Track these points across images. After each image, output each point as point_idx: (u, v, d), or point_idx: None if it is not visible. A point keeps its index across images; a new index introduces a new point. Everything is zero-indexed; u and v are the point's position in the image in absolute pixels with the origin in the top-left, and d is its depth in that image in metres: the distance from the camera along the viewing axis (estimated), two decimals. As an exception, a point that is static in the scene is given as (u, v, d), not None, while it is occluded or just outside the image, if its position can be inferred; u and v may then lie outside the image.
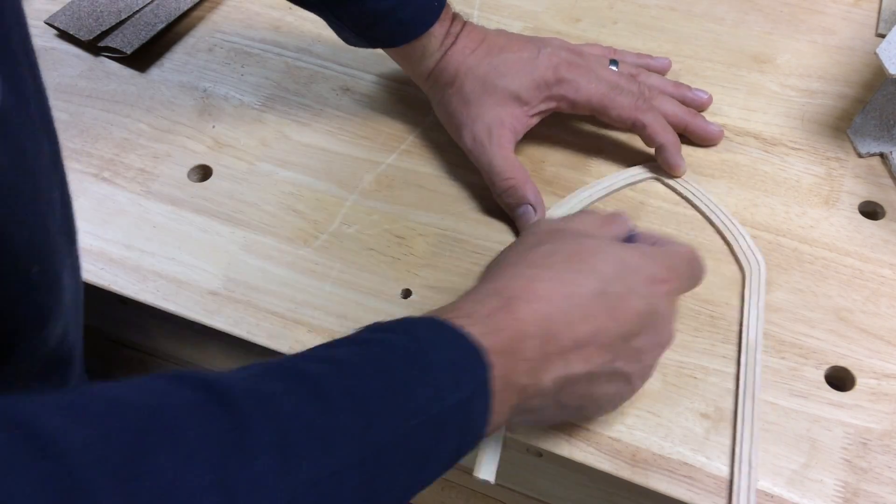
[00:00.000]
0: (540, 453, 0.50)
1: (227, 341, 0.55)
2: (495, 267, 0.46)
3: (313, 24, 0.75)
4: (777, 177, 0.61)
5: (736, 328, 0.53)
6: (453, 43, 0.60)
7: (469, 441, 0.39)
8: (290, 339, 0.54)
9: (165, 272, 0.58)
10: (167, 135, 0.67)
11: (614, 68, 0.62)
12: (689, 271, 0.48)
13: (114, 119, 0.68)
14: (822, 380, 0.51)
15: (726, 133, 0.64)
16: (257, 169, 0.62)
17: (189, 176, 0.64)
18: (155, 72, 0.72)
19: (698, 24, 0.72)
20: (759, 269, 0.55)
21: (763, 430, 0.49)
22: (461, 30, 0.60)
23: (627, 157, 0.63)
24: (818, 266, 0.56)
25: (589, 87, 0.59)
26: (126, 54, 0.72)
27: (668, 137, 0.60)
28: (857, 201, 0.59)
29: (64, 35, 0.75)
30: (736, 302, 0.54)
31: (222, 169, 0.64)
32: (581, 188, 0.60)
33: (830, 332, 0.53)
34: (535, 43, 0.61)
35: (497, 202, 0.59)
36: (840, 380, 0.51)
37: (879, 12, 0.72)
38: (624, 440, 0.49)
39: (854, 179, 0.60)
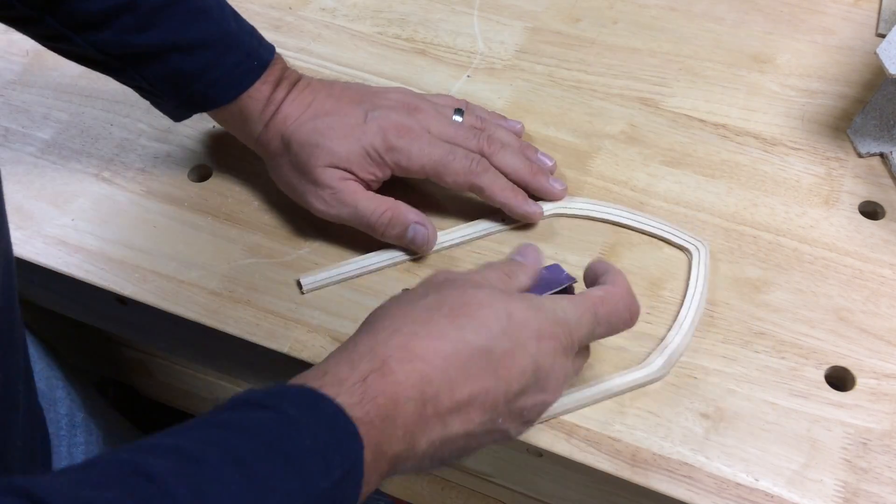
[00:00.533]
0: (540, 453, 0.50)
1: (227, 341, 0.55)
2: (376, 319, 0.43)
3: (313, 25, 0.75)
4: (777, 177, 0.61)
5: (736, 328, 0.53)
6: (277, 110, 0.57)
7: None
8: (290, 339, 0.54)
9: (165, 272, 0.58)
10: (167, 135, 0.67)
11: (458, 118, 0.59)
12: (593, 321, 0.44)
13: (114, 119, 0.68)
14: (823, 380, 0.51)
15: (726, 133, 0.64)
16: (257, 169, 0.62)
17: (189, 176, 0.64)
18: (155, 72, 0.72)
19: (698, 24, 0.72)
20: (700, 252, 0.56)
21: (763, 430, 0.49)
22: (286, 95, 0.57)
23: (627, 156, 0.63)
24: (818, 266, 0.56)
25: (421, 155, 0.55)
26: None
27: (507, 196, 0.57)
28: (857, 201, 0.59)
29: (64, 35, 0.75)
30: (734, 302, 0.54)
31: (222, 169, 0.64)
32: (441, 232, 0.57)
33: (830, 332, 0.53)
34: (365, 105, 0.57)
35: (393, 243, 0.57)
36: (840, 380, 0.51)
37: (879, 12, 0.72)
38: (624, 440, 0.49)
39: (854, 179, 0.60)
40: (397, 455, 0.39)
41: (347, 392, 0.37)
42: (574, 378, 0.47)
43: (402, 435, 0.39)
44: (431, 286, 0.45)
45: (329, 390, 0.37)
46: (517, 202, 0.57)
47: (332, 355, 0.41)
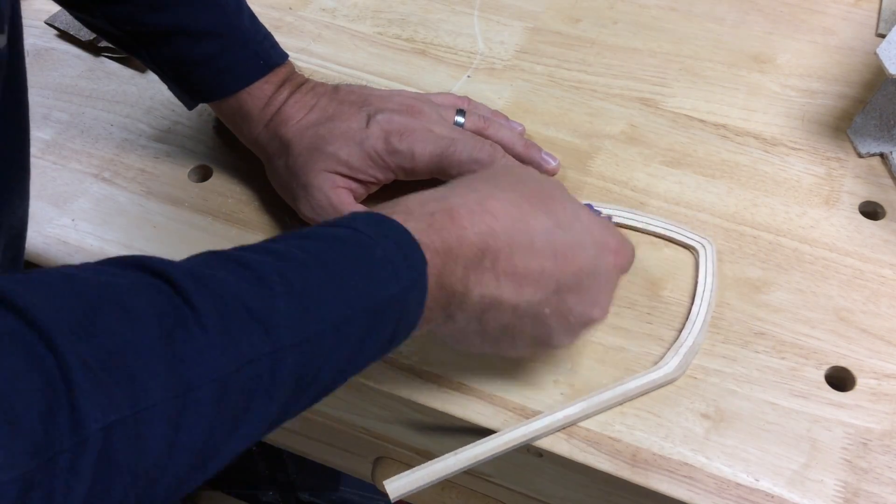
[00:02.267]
0: (540, 453, 0.50)
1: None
2: (454, 182, 0.46)
3: (313, 25, 0.75)
4: (777, 177, 0.61)
5: (736, 328, 0.53)
6: (277, 111, 0.57)
7: (402, 332, 0.40)
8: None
9: (165, 272, 0.58)
10: (167, 135, 0.67)
11: (461, 119, 0.59)
12: (632, 252, 0.49)
13: (114, 119, 0.68)
14: (823, 380, 0.51)
15: (726, 133, 0.64)
16: (257, 169, 0.62)
17: (189, 176, 0.64)
18: (155, 72, 0.72)
19: (698, 24, 0.72)
20: (707, 250, 0.56)
21: (763, 431, 0.49)
22: (288, 97, 0.57)
23: (628, 157, 0.63)
24: (818, 266, 0.56)
25: (423, 154, 0.55)
26: (126, 55, 0.72)
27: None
28: (858, 201, 0.59)
29: (64, 35, 0.75)
30: (735, 302, 0.54)
31: (222, 169, 0.64)
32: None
33: (831, 332, 0.53)
34: (367, 108, 0.57)
35: None
36: (840, 380, 0.51)
37: (879, 12, 0.72)
38: (624, 440, 0.49)
39: (854, 179, 0.60)
40: (455, 293, 0.42)
41: (415, 219, 0.41)
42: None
43: (461, 275, 0.41)
44: (512, 167, 0.48)
45: (397, 217, 0.40)
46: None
47: (408, 195, 0.43)
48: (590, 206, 0.50)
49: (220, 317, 0.33)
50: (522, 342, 0.46)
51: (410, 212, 0.41)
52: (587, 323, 0.47)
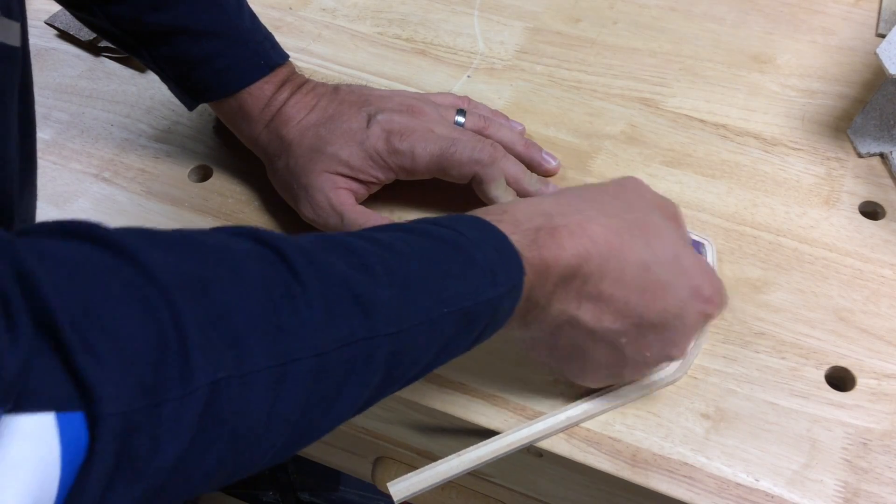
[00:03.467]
0: (540, 453, 0.50)
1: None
2: (563, 195, 0.46)
3: (313, 25, 0.75)
4: (777, 177, 0.61)
5: (736, 328, 0.53)
6: (278, 112, 0.57)
7: (487, 334, 0.41)
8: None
9: (165, 272, 0.58)
10: (167, 135, 0.67)
11: (461, 119, 0.59)
12: (725, 301, 0.48)
13: (114, 119, 0.68)
14: (823, 380, 0.51)
15: (726, 133, 0.64)
16: (258, 169, 0.62)
17: (189, 176, 0.64)
18: (155, 72, 0.72)
19: (698, 24, 0.72)
20: (707, 249, 0.56)
21: (763, 430, 0.49)
22: (289, 98, 0.57)
23: (628, 157, 0.63)
24: (818, 266, 0.56)
25: (424, 154, 0.55)
26: (126, 54, 0.72)
27: (518, 170, 0.57)
28: (858, 201, 0.59)
29: (64, 35, 0.75)
30: (735, 302, 0.54)
31: (222, 169, 0.64)
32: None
33: (831, 332, 0.53)
34: (368, 108, 0.57)
35: None
36: (840, 380, 0.51)
37: (879, 12, 0.72)
38: (624, 440, 0.49)
39: (854, 179, 0.60)
40: (537, 304, 0.43)
41: (520, 233, 0.41)
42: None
43: (549, 290, 0.42)
44: (626, 190, 0.47)
45: (503, 227, 0.41)
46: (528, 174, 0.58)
47: (508, 204, 0.44)
48: (694, 243, 0.49)
49: (324, 296, 0.34)
50: (593, 367, 0.46)
51: (517, 224, 0.42)
52: (663, 360, 0.47)
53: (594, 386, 0.49)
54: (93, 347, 0.27)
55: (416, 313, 0.37)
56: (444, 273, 0.38)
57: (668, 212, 0.48)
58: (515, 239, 0.41)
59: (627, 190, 0.48)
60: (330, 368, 0.34)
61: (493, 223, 0.41)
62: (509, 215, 0.43)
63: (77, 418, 0.27)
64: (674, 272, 0.44)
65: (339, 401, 0.35)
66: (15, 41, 0.42)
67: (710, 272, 0.47)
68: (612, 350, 0.45)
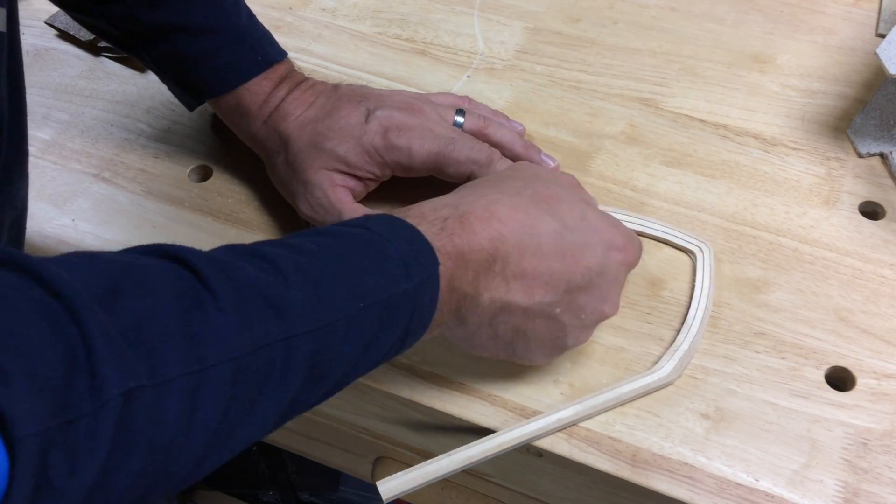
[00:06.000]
0: (540, 453, 0.50)
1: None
2: (463, 188, 0.48)
3: (313, 25, 0.75)
4: (777, 177, 0.61)
5: (736, 328, 0.53)
6: (276, 108, 0.57)
7: (415, 330, 0.41)
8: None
9: (165, 272, 0.58)
10: (167, 135, 0.67)
11: (460, 118, 0.59)
12: (640, 249, 0.50)
13: (114, 119, 0.68)
14: (823, 380, 0.51)
15: (726, 133, 0.64)
16: (257, 169, 0.62)
17: (189, 176, 0.64)
18: (155, 72, 0.72)
19: (698, 24, 0.72)
20: (704, 254, 0.56)
21: (763, 430, 0.49)
22: (287, 94, 0.57)
23: (628, 157, 0.63)
24: (818, 266, 0.56)
25: (421, 151, 0.55)
26: (125, 54, 0.72)
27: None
28: (858, 201, 0.59)
29: (64, 35, 0.75)
30: (735, 302, 0.54)
31: (222, 169, 0.64)
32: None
33: (831, 332, 0.53)
34: (367, 104, 0.57)
35: None
36: (840, 380, 0.51)
37: (879, 12, 0.72)
38: (624, 440, 0.49)
39: (854, 179, 0.60)
40: (465, 295, 0.43)
41: (427, 223, 0.42)
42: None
43: (471, 279, 0.43)
44: (519, 172, 0.49)
45: (411, 220, 0.42)
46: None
47: (420, 202, 0.45)
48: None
49: (236, 302, 0.34)
50: (537, 344, 0.47)
51: (423, 216, 0.43)
52: (599, 319, 0.48)
53: (543, 363, 0.50)
54: (3, 370, 0.27)
55: (331, 310, 0.37)
56: (358, 268, 0.39)
57: (566, 180, 0.50)
58: (424, 229, 0.42)
59: (521, 169, 0.50)
60: (247, 372, 0.34)
61: (401, 217, 0.42)
62: (415, 210, 0.44)
63: None
64: (585, 231, 0.46)
65: (259, 406, 0.35)
66: (0, 26, 0.43)
67: (617, 223, 0.49)
68: (549, 322, 0.46)
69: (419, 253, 0.41)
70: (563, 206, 0.46)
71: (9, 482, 0.27)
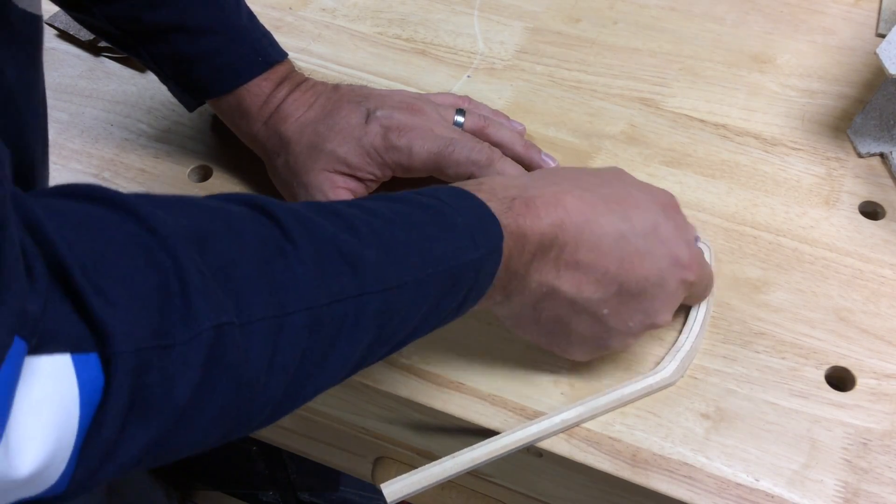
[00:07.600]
0: (540, 453, 0.50)
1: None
2: (540, 173, 0.48)
3: (313, 25, 0.75)
4: (777, 177, 0.61)
5: (736, 328, 0.53)
6: (277, 109, 0.57)
7: (471, 300, 0.43)
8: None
9: (165, 272, 0.58)
10: (167, 135, 0.67)
11: (460, 118, 0.59)
12: (709, 278, 0.50)
13: (114, 119, 0.68)
14: (823, 380, 0.51)
15: (726, 133, 0.64)
16: (257, 169, 0.62)
17: (189, 176, 0.64)
18: (155, 72, 0.72)
19: (698, 24, 0.72)
20: (705, 254, 0.56)
21: (763, 430, 0.49)
22: (287, 95, 0.57)
23: (628, 157, 0.63)
24: (818, 266, 0.56)
25: (421, 151, 0.55)
26: (126, 54, 0.72)
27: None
28: (858, 201, 0.59)
29: (64, 35, 0.75)
30: (735, 302, 0.54)
31: (222, 169, 0.64)
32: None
33: (831, 332, 0.53)
34: (367, 105, 0.56)
35: None
36: (840, 380, 0.51)
37: (879, 12, 0.72)
38: (624, 440, 0.49)
39: (854, 179, 0.60)
40: (517, 275, 0.44)
41: (497, 200, 0.43)
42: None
43: (526, 260, 0.43)
44: (606, 173, 0.49)
45: (481, 195, 0.43)
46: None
47: (491, 177, 0.46)
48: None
49: (315, 254, 0.35)
50: (578, 340, 0.47)
51: (494, 192, 0.44)
52: (647, 328, 0.48)
53: (582, 359, 0.50)
54: (103, 291, 0.28)
55: (402, 273, 0.38)
56: (427, 236, 0.40)
57: (661, 198, 0.49)
58: (493, 206, 0.42)
59: (610, 171, 0.50)
60: (323, 323, 0.35)
61: (472, 192, 0.43)
62: (486, 185, 0.44)
63: (92, 359, 0.28)
64: (652, 242, 0.46)
65: (332, 356, 0.36)
66: (37, 9, 0.43)
67: (690, 243, 0.48)
68: (594, 321, 0.46)
69: (486, 226, 0.42)
70: (636, 212, 0.46)
71: (104, 395, 0.28)
